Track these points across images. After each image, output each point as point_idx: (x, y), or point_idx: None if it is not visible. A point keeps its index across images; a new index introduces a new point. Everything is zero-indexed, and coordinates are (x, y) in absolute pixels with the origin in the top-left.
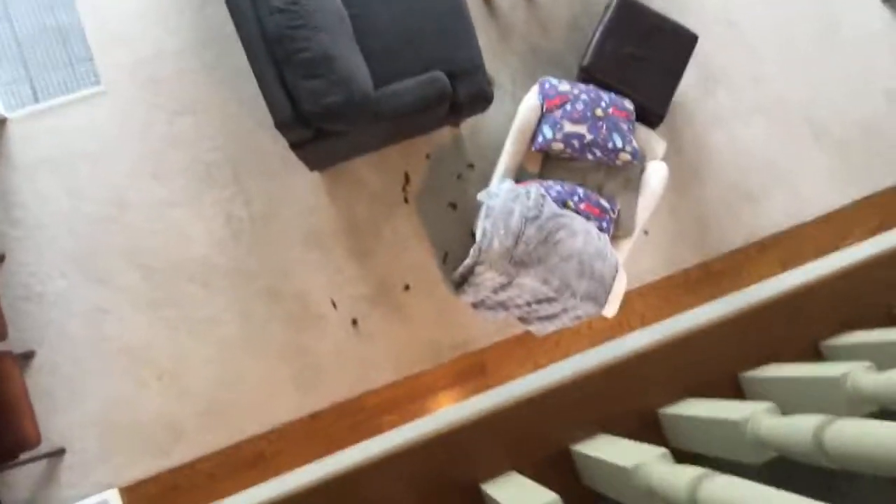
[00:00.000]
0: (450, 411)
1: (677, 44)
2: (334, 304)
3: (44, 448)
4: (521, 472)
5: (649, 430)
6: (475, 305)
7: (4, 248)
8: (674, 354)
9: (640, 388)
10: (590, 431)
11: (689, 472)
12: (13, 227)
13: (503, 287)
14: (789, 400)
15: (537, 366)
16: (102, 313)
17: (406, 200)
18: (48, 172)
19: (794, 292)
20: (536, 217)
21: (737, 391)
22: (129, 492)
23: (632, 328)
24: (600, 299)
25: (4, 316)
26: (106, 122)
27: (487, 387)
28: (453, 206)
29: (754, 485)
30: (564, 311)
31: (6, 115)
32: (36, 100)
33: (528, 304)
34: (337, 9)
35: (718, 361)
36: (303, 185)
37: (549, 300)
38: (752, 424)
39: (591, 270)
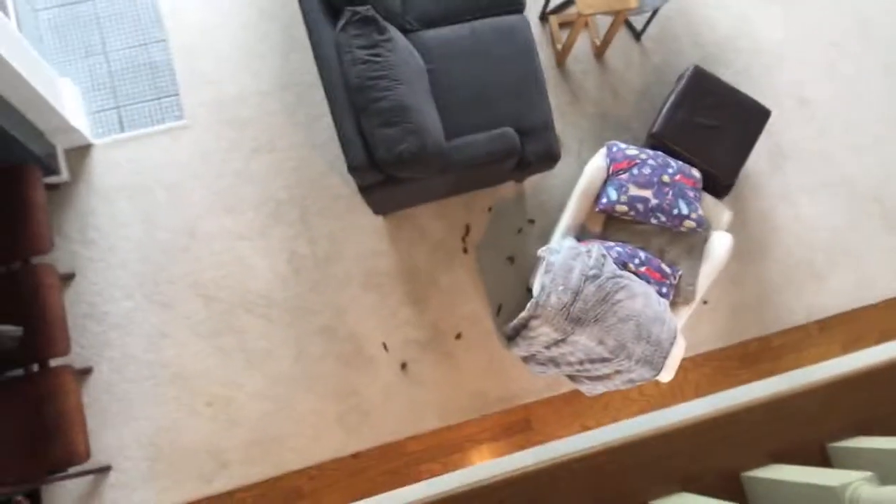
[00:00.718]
0: (515, 458)
1: (749, 117)
2: (385, 347)
3: (91, 464)
4: None
5: (731, 492)
6: (526, 359)
7: (76, 266)
8: (760, 418)
9: (724, 449)
10: (670, 488)
11: None
12: (86, 248)
13: (556, 343)
14: (886, 471)
15: (584, 427)
16: (162, 337)
17: (465, 251)
18: (126, 198)
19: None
20: (596, 276)
21: (824, 461)
22: None
23: (685, 397)
24: (656, 364)
25: (69, 331)
26: (185, 155)
27: (532, 442)
28: (511, 259)
29: None
30: (618, 372)
31: (92, 140)
32: (122, 128)
33: (581, 362)
34: (416, 63)
35: (805, 429)
36: (366, 228)
37: (602, 360)
38: (851, 492)
39: (648, 334)
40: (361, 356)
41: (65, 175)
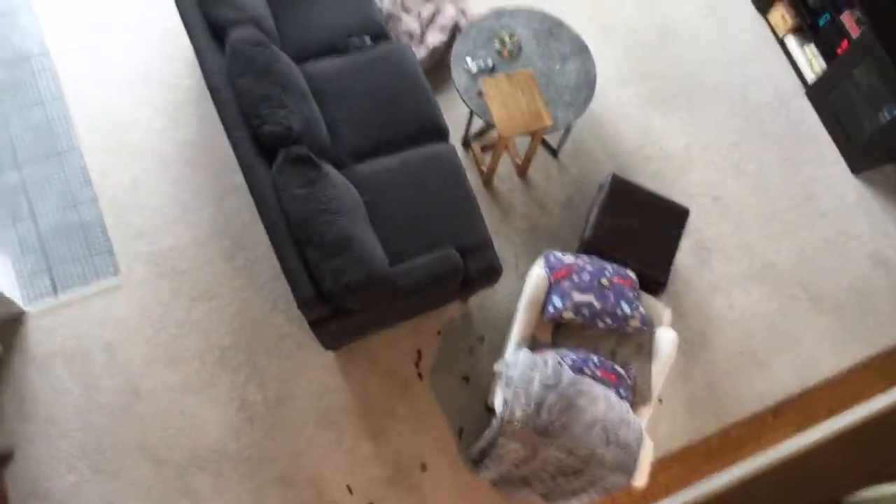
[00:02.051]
0: None
1: (670, 217)
2: (350, 490)
3: None
4: None
5: None
6: (496, 483)
7: (14, 443)
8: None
9: None
10: None
11: None
12: (23, 422)
13: (526, 461)
14: None
15: None
16: None
17: (420, 376)
18: (63, 364)
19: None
20: (556, 384)
21: None
22: None
23: (656, 501)
24: (629, 468)
25: None
26: (122, 312)
27: None
28: (466, 379)
29: None
30: (591, 483)
31: (25, 308)
32: (54, 291)
33: (553, 477)
34: (352, 195)
35: None
36: (316, 365)
37: (574, 473)
38: None
39: (616, 437)
40: (324, 503)
41: None
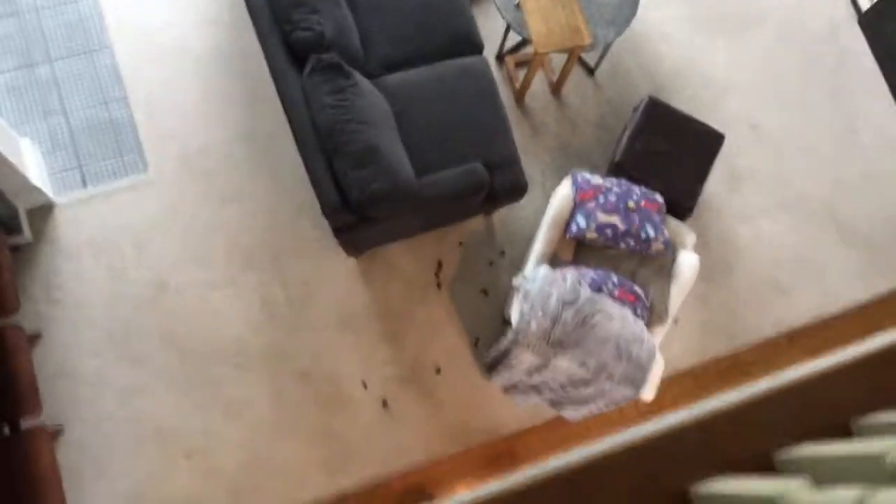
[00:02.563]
0: (469, 494)
1: (704, 142)
2: (365, 386)
3: None
4: None
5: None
6: (507, 389)
7: (41, 326)
8: (706, 432)
9: (671, 466)
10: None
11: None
12: (52, 307)
13: (538, 369)
14: (826, 477)
15: (568, 452)
16: (135, 392)
17: (439, 286)
18: (91, 255)
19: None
20: (574, 301)
21: (771, 471)
22: None
23: (663, 414)
24: (638, 383)
25: (39, 392)
26: (151, 209)
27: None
28: (485, 292)
29: None
30: (600, 394)
31: (55, 200)
32: (84, 185)
33: (563, 386)
34: (382, 106)
35: (751, 440)
36: (339, 269)
37: (584, 383)
38: (787, 500)
39: (628, 354)
40: (341, 397)
41: (28, 235)
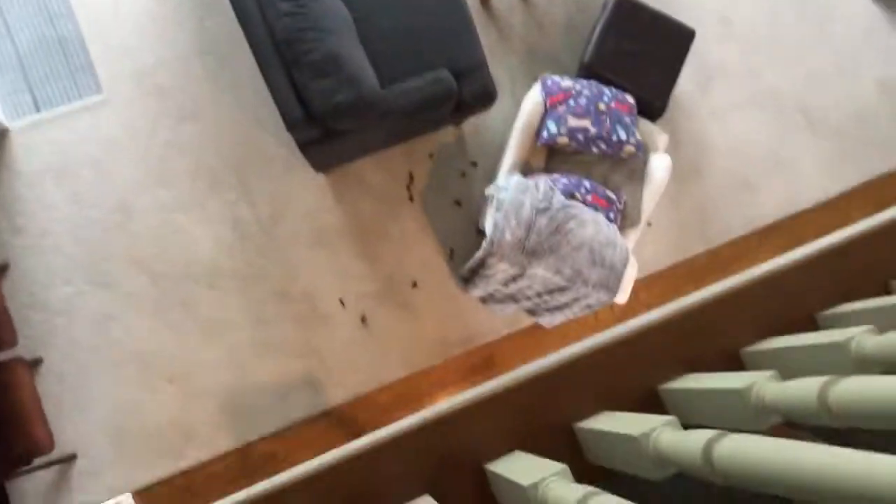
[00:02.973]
0: (452, 399)
1: (675, 39)
2: (342, 303)
3: (55, 454)
4: (525, 450)
5: (651, 406)
6: (484, 300)
7: (8, 256)
8: (674, 331)
9: (641, 365)
10: (591, 408)
11: (701, 434)
12: (16, 236)
13: (514, 279)
14: (792, 369)
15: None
16: (109, 319)
17: (411, 199)
18: (51, 181)
19: (793, 268)
20: (547, 208)
21: (738, 366)
22: (142, 495)
23: (637, 316)
24: (612, 287)
25: (13, 323)
26: (109, 130)
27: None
28: (458, 203)
29: (766, 438)
30: (575, 300)
31: (7, 125)
32: (37, 109)
33: (539, 294)
34: (342, 12)
35: (718, 337)
36: (308, 186)
37: (560, 289)
38: (756, 391)
39: (602, 259)
40: (318, 314)
41: None
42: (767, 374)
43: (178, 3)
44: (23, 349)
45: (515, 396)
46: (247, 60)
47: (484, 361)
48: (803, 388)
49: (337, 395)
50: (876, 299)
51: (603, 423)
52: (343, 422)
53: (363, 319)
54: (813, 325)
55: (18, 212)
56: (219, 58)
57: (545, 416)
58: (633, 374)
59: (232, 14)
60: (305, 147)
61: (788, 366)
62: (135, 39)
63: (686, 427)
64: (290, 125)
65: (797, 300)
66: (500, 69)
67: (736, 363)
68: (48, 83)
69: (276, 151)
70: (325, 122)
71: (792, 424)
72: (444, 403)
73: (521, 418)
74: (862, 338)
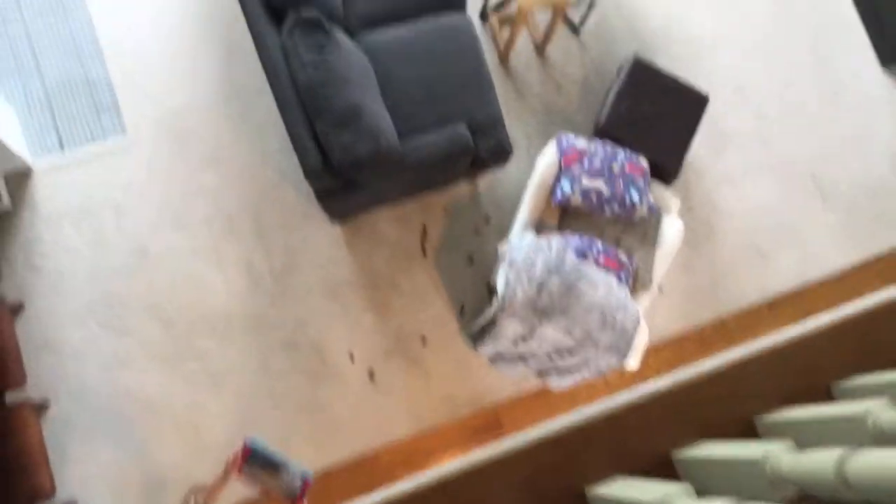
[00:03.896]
0: (460, 460)
1: (689, 104)
2: (352, 357)
3: (56, 501)
4: None
5: (665, 471)
6: (493, 359)
7: (24, 295)
8: (687, 397)
9: (653, 431)
10: (604, 473)
11: None
12: (34, 276)
13: (524, 338)
14: (808, 440)
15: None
16: (120, 364)
17: (424, 253)
18: (72, 222)
19: (808, 338)
20: (559, 268)
21: (753, 433)
22: None
23: (646, 381)
24: (623, 351)
25: (23, 363)
26: (130, 173)
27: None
28: (470, 259)
29: None
30: (585, 363)
31: (32, 163)
32: (62, 148)
33: (549, 355)
34: (363, 63)
35: (733, 404)
36: (323, 237)
37: (570, 351)
38: (771, 462)
39: (613, 321)
40: (327, 368)
41: (6, 202)
42: (783, 444)
43: (205, 49)
44: (32, 389)
45: (525, 459)
46: (270, 108)
47: (492, 422)
48: (820, 460)
49: (341, 451)
50: (892, 372)
51: (617, 490)
52: (342, 478)
53: (371, 374)
54: (828, 396)
55: (37, 252)
56: (242, 104)
57: (556, 480)
58: (646, 439)
59: (257, 62)
60: (323, 196)
61: (804, 436)
62: (161, 83)
63: (700, 495)
64: (309, 174)
65: (812, 370)
66: (516, 126)
67: (750, 431)
68: (74, 123)
69: (294, 200)
70: (344, 172)
71: (807, 497)
72: (453, 464)
73: (530, 482)
74: (879, 411)
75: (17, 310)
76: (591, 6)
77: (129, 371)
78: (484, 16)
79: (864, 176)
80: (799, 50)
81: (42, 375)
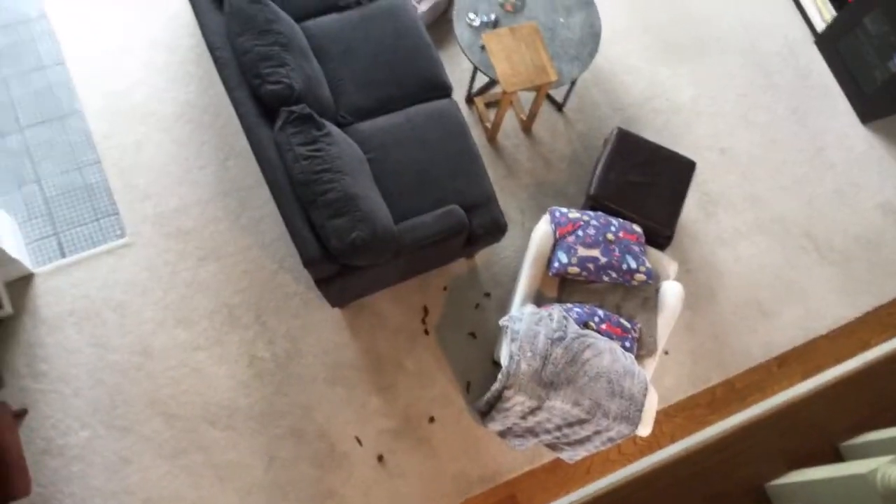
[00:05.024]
0: None
1: (677, 170)
2: (359, 441)
3: None
4: None
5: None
6: (503, 434)
7: (27, 402)
8: (698, 466)
9: (665, 501)
10: None
11: None
12: (36, 381)
13: (532, 412)
14: (818, 502)
15: (569, 494)
16: (125, 463)
17: (426, 332)
18: (73, 324)
19: (813, 396)
20: (562, 338)
21: (765, 500)
22: None
23: (661, 449)
24: (633, 418)
25: (28, 471)
26: (131, 273)
27: None
28: (473, 335)
29: None
30: (597, 433)
31: (34, 270)
32: (62, 254)
33: (559, 427)
34: (356, 153)
35: (742, 470)
36: (324, 322)
37: (580, 422)
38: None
39: (621, 389)
40: (335, 454)
41: (7, 308)
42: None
43: (200, 147)
44: (36, 496)
45: None
46: (266, 202)
47: (506, 499)
48: None
49: None
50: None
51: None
52: None
53: (380, 458)
54: (837, 456)
55: (40, 357)
56: (238, 199)
57: None
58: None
59: (252, 157)
60: (322, 283)
61: (814, 500)
62: (158, 184)
63: None
64: (308, 262)
65: (819, 430)
66: (509, 202)
67: (762, 498)
68: (74, 229)
69: (294, 288)
70: (342, 258)
71: None
72: None
73: None
74: (887, 469)
75: (20, 415)
76: (572, 85)
77: (134, 469)
78: (470, 100)
79: (857, 227)
80: (779, 111)
81: (45, 480)
